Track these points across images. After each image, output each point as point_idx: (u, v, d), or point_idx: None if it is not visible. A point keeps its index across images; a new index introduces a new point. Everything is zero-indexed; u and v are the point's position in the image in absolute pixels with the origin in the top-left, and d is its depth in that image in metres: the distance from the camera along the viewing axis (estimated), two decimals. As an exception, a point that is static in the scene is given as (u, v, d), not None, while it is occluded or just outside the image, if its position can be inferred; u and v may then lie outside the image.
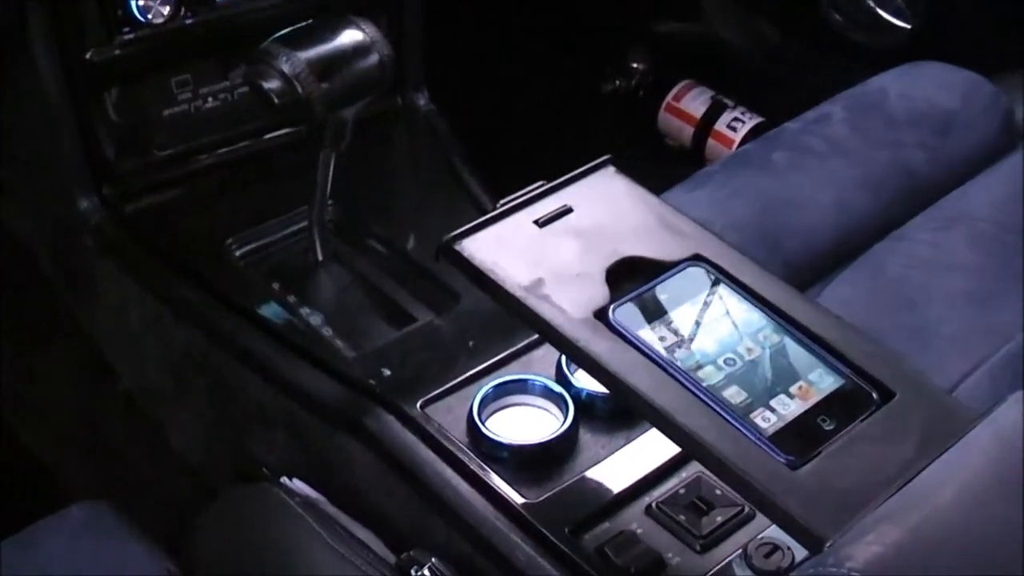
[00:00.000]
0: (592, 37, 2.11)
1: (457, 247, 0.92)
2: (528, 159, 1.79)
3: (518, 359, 1.12)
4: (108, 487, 1.47)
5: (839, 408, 0.83)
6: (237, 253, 1.30)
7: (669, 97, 2.00)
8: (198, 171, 1.39)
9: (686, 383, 0.83)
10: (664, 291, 0.90)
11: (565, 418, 1.04)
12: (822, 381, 0.85)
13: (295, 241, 1.32)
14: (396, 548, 1.05)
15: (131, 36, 1.29)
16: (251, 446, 1.23)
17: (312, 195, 1.25)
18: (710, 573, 0.93)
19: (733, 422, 0.81)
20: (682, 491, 0.99)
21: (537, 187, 0.98)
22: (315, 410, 1.13)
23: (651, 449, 1.02)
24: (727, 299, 0.90)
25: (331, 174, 1.22)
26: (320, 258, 1.29)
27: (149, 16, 1.27)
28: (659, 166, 1.94)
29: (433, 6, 1.51)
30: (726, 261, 0.93)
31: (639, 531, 0.97)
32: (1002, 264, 1.31)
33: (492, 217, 0.95)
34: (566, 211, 0.96)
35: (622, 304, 0.88)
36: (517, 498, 0.99)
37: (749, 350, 0.87)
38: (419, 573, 0.96)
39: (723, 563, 0.94)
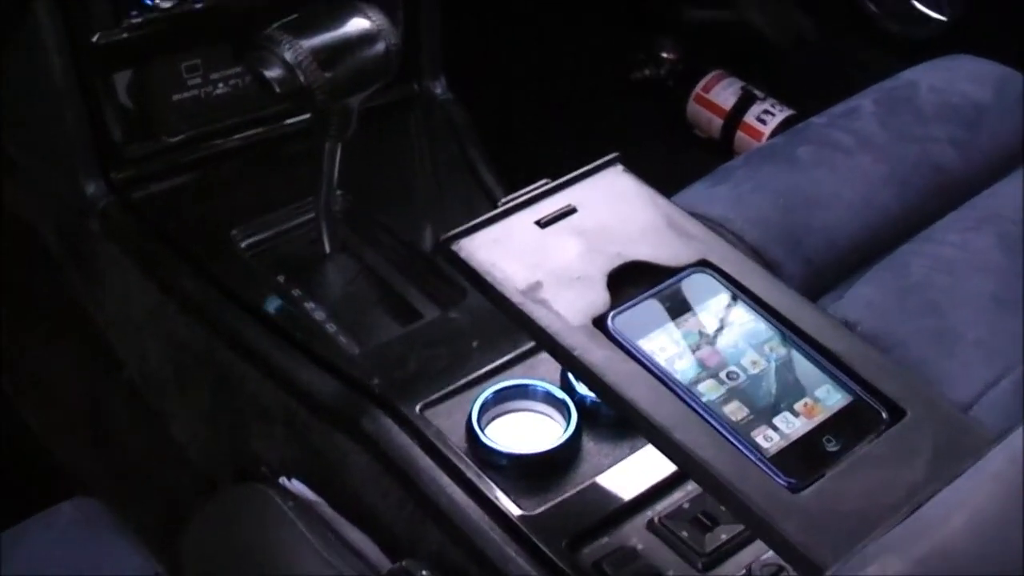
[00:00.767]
0: (622, 24, 2.07)
1: (454, 247, 0.89)
2: (551, 149, 1.76)
3: (523, 362, 1.09)
4: (110, 476, 1.45)
5: (846, 427, 0.79)
6: (243, 244, 1.28)
7: (699, 87, 1.95)
8: (207, 158, 1.36)
9: (685, 397, 0.79)
10: (667, 298, 0.86)
11: (567, 426, 1.01)
12: (829, 398, 0.81)
13: (303, 232, 1.29)
14: (392, 553, 1.03)
15: (139, 19, 1.26)
16: (250, 442, 1.20)
17: (318, 186, 1.22)
18: (712, 593, 0.90)
19: (732, 440, 0.77)
20: (686, 505, 0.95)
21: (540, 185, 0.94)
22: (314, 408, 1.11)
23: (656, 460, 0.97)
24: (733, 308, 0.86)
25: (337, 164, 1.19)
26: (327, 250, 1.26)
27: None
28: (687, 158, 1.90)
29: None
30: (734, 268, 0.88)
31: (639, 547, 0.93)
32: (1031, 267, 1.26)
33: (492, 216, 0.91)
34: (569, 211, 0.92)
35: (623, 311, 0.85)
36: (514, 509, 0.96)
37: (754, 363, 0.82)
38: (409, 585, 0.93)
39: (726, 583, 0.90)
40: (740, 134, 1.90)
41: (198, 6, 1.27)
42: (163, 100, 1.32)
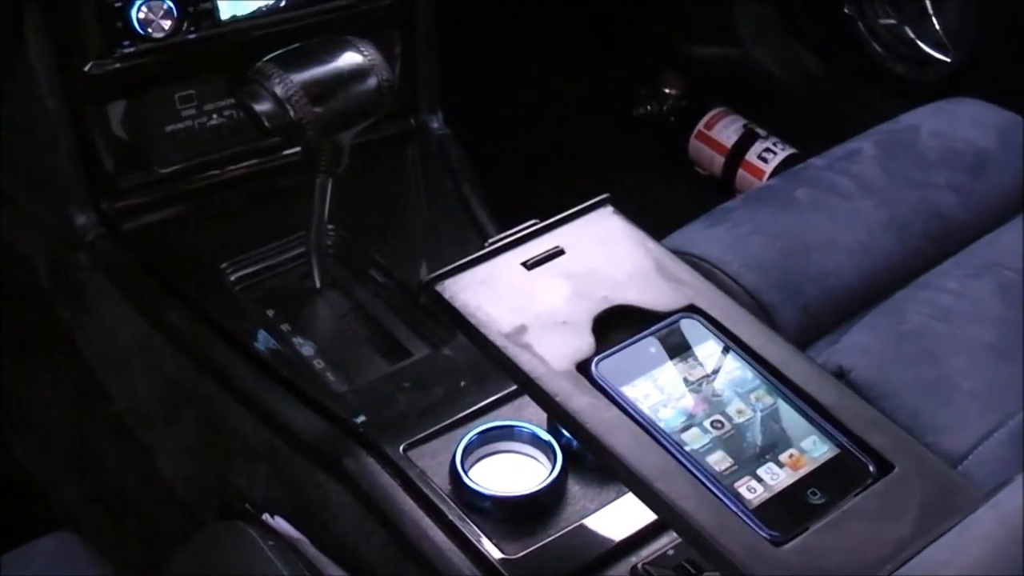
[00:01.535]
0: (625, 59, 2.06)
1: (438, 287, 0.87)
2: (549, 185, 1.75)
3: (510, 402, 1.07)
4: (97, 509, 1.43)
5: (832, 480, 0.77)
6: (233, 277, 1.27)
7: (700, 124, 1.94)
8: (200, 189, 1.35)
9: (668, 446, 0.78)
10: (653, 344, 0.85)
11: (552, 469, 0.99)
12: (815, 449, 0.79)
13: (294, 266, 1.28)
14: (374, 595, 1.01)
15: (132, 49, 1.25)
16: (235, 478, 1.18)
17: (310, 220, 1.20)
18: (692, 645, 0.88)
19: (715, 491, 0.76)
20: (670, 552, 0.94)
21: (528, 226, 0.92)
22: (297, 446, 1.09)
23: (642, 505, 0.96)
24: (720, 355, 0.84)
25: (328, 199, 1.18)
26: (318, 285, 1.25)
27: (149, 30, 1.24)
28: (687, 196, 1.89)
29: (454, 28, 1.46)
30: (723, 314, 0.87)
31: (621, 594, 0.91)
32: (1030, 317, 1.25)
33: (478, 257, 0.90)
34: (557, 252, 0.91)
35: (607, 357, 0.83)
36: (496, 552, 0.94)
37: (739, 412, 0.81)
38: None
39: (708, 635, 0.88)
40: (741, 172, 1.88)
41: (191, 37, 1.26)
42: (156, 131, 1.32)
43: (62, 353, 1.41)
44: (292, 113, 1.06)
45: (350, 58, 1.09)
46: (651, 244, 0.93)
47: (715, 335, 0.85)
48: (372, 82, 1.09)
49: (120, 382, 1.33)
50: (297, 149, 1.36)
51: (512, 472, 1.00)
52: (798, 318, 1.26)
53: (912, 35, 1.79)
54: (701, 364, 0.84)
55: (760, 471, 0.77)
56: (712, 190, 1.91)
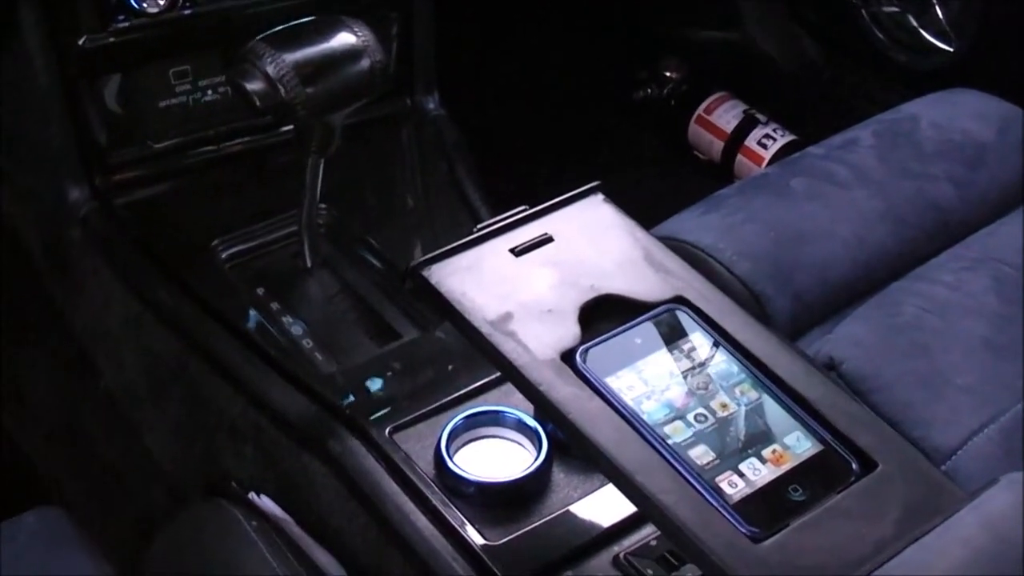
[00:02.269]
0: (626, 43, 2.04)
1: (424, 273, 0.87)
2: (546, 168, 1.74)
3: (499, 387, 1.07)
4: (86, 485, 1.43)
5: (814, 477, 0.77)
6: (224, 254, 1.26)
7: (700, 109, 1.93)
8: (193, 166, 1.34)
9: (650, 439, 0.77)
10: (639, 335, 0.84)
11: (538, 455, 0.98)
12: (799, 445, 0.79)
13: (286, 245, 1.28)
14: (357, 576, 1.01)
15: (126, 24, 1.24)
16: (221, 457, 1.18)
17: (301, 200, 1.20)
18: (672, 637, 0.88)
19: (696, 485, 0.75)
20: (653, 542, 0.93)
21: (517, 212, 0.92)
22: (282, 427, 1.09)
23: (626, 495, 0.96)
24: (706, 348, 0.84)
25: (320, 179, 1.17)
26: (308, 265, 1.24)
27: (144, 5, 1.23)
28: (685, 181, 1.88)
29: (452, 8, 1.45)
30: (711, 306, 0.86)
31: (603, 583, 0.91)
32: (1025, 312, 1.24)
33: (466, 242, 0.89)
34: (546, 240, 0.90)
35: (592, 347, 0.82)
36: (478, 538, 0.94)
37: (723, 406, 0.80)
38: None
39: (688, 626, 0.88)
40: (741, 158, 1.88)
41: (187, 12, 1.26)
42: (150, 106, 1.31)
43: (54, 329, 1.40)
44: (283, 93, 1.05)
45: (343, 39, 1.08)
46: (640, 233, 0.92)
47: (702, 327, 0.85)
48: (365, 63, 1.08)
49: (110, 359, 1.32)
50: (290, 127, 1.35)
51: (497, 458, 1.00)
52: (791, 308, 1.25)
53: (915, 23, 1.78)
54: (687, 356, 0.83)
55: (742, 466, 0.77)
56: (711, 175, 1.90)
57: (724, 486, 0.76)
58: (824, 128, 1.48)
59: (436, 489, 0.97)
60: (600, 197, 0.94)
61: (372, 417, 1.03)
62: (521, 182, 1.09)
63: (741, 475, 0.76)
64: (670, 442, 0.77)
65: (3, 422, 1.52)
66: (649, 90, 2.02)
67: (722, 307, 0.87)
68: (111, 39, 1.24)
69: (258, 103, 1.06)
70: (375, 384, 1.08)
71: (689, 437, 0.78)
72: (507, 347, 0.82)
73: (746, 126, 1.88)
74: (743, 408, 0.80)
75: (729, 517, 0.74)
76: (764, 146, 1.85)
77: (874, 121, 1.46)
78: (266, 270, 1.25)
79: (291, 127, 1.32)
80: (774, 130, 1.86)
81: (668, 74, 2.01)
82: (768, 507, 0.75)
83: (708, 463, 0.77)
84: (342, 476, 1.02)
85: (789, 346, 0.86)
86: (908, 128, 1.44)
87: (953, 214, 1.37)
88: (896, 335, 1.22)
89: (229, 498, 1.09)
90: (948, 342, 1.21)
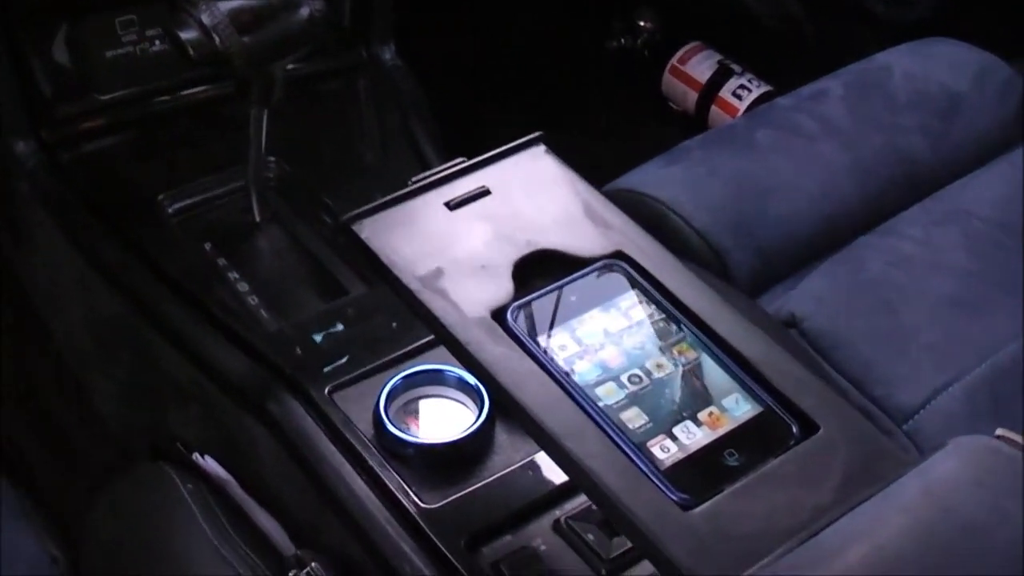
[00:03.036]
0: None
1: (355, 227, 0.83)
2: (514, 120, 1.70)
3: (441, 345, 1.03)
4: (42, 447, 1.40)
5: (752, 441, 0.73)
6: (171, 209, 1.22)
7: (674, 59, 1.89)
8: (142, 118, 1.30)
9: (581, 401, 0.74)
10: (575, 291, 0.80)
11: (479, 415, 0.95)
12: (737, 408, 0.75)
13: (234, 199, 1.24)
14: (297, 540, 0.98)
15: (70, -29, 1.20)
16: (167, 418, 1.15)
17: (249, 153, 1.16)
18: (611, 602, 0.85)
19: (626, 450, 0.72)
20: (594, 507, 0.90)
21: (455, 164, 0.88)
22: (224, 388, 1.06)
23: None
24: (644, 306, 0.80)
25: (264, 131, 1.13)
26: (257, 219, 1.21)
27: (85, -49, 1.19)
28: (658, 132, 1.84)
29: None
30: (651, 262, 0.83)
31: (542, 548, 0.88)
32: (995, 269, 1.21)
33: (400, 195, 0.85)
34: (483, 193, 0.86)
35: (524, 304, 0.79)
36: (415, 502, 0.91)
37: (659, 366, 0.77)
38: (295, 576, 0.89)
39: (628, 592, 0.85)
40: (715, 109, 1.84)
41: (132, -40, 1.22)
42: (96, 56, 1.27)
43: (5, 287, 1.37)
44: (218, 42, 1.01)
45: (283, -15, 1.04)
46: (582, 186, 0.88)
47: (640, 284, 0.81)
48: (304, 11, 1.04)
49: (60, 318, 1.29)
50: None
51: (439, 418, 0.97)
52: (752, 263, 1.22)
53: (894, -28, 1.74)
54: (624, 314, 0.80)
55: (676, 430, 0.74)
56: (685, 126, 1.86)
57: (656, 451, 0.72)
58: (800, 79, 1.44)
59: (374, 451, 0.94)
60: (542, 148, 0.90)
61: (315, 376, 1.00)
62: (487, 137, 1.05)
63: (674, 439, 0.73)
64: (601, 404, 0.74)
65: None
66: (623, 40, 1.97)
67: (663, 263, 0.83)
68: None
69: (192, 53, 1.02)
70: (317, 341, 1.04)
71: (622, 399, 0.75)
72: (436, 305, 0.79)
73: (721, 77, 1.84)
74: (680, 369, 0.77)
75: (659, 483, 0.70)
76: (739, 97, 1.81)
77: (846, 71, 1.42)
78: (215, 224, 1.22)
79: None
80: (749, 80, 1.82)
81: (643, 24, 1.97)
82: (701, 473, 0.72)
83: (640, 426, 0.73)
84: (281, 438, 0.99)
85: (735, 304, 0.82)
86: (881, 78, 1.40)
87: (924, 167, 1.34)
88: (860, 291, 1.19)
89: (172, 460, 1.07)
90: (913, 299, 1.18)
